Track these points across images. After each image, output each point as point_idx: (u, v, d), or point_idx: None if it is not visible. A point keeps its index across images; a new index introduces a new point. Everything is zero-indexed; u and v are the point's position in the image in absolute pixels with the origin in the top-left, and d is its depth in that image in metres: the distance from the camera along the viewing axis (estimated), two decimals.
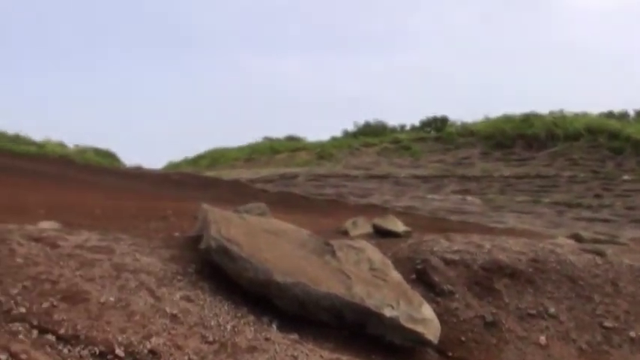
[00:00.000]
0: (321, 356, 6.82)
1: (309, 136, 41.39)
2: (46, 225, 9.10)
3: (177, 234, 9.47)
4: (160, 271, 7.66)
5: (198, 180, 23.28)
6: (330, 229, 11.90)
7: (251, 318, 7.25)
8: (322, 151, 33.00)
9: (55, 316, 6.24)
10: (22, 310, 6.26)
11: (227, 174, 28.14)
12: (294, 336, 7.15)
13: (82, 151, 30.18)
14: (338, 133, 41.35)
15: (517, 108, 45.82)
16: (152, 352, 6.04)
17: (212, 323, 6.88)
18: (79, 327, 6.17)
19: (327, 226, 12.09)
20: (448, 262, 9.37)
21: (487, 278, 9.28)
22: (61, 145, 29.77)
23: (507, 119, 32.75)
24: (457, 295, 8.94)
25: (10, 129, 29.05)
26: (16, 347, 5.47)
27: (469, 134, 32.70)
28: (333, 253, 8.20)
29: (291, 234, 8.51)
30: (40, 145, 27.91)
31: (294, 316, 7.46)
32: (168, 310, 6.85)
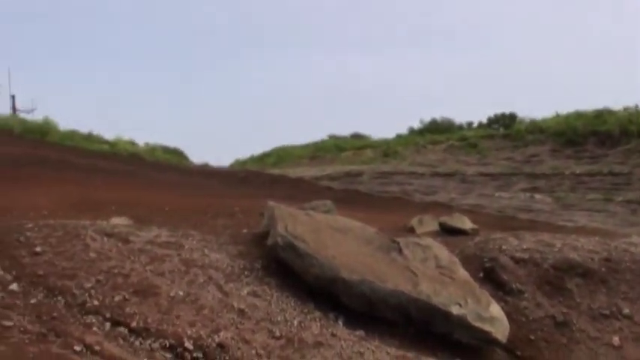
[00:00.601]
0: (388, 353, 6.81)
1: (375, 133, 41.19)
2: (118, 221, 9.37)
3: (244, 231, 9.59)
4: (228, 267, 7.79)
5: (264, 177, 23.52)
6: (396, 226, 11.85)
7: (317, 314, 7.29)
8: (388, 149, 32.87)
9: (127, 310, 6.41)
10: (96, 303, 6.46)
11: (292, 172, 28.36)
12: (360, 333, 7.15)
13: (152, 149, 30.89)
14: (404, 131, 41.06)
15: (589, 104, 44.58)
16: (220, 345, 6.15)
17: (279, 318, 6.95)
18: (149, 320, 6.32)
19: (392, 224, 12.03)
20: (517, 261, 9.20)
21: (558, 277, 9.07)
22: (132, 143, 30.53)
23: (579, 115, 31.89)
24: (526, 294, 8.78)
25: (84, 127, 30.09)
26: (90, 339, 5.66)
27: (538, 131, 31.98)
28: (400, 251, 8.17)
29: (357, 231, 8.51)
30: (112, 144, 28.69)
31: (360, 312, 7.47)
32: (235, 305, 6.95)
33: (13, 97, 34.34)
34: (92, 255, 7.27)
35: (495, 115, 40.08)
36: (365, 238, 8.38)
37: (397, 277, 7.65)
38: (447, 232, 11.40)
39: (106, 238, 7.76)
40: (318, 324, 7.10)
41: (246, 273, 7.79)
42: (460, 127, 40.52)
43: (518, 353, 8.02)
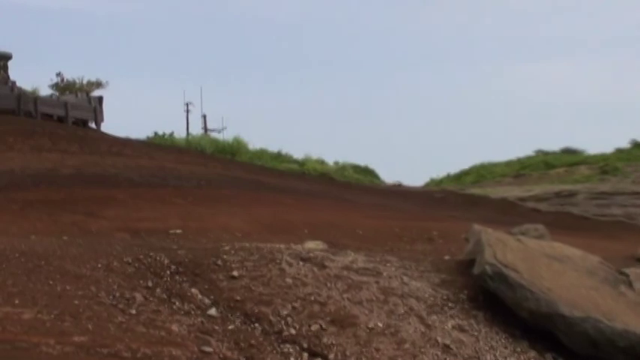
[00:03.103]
0: None
1: (590, 148, 39.14)
2: (313, 245, 9.64)
3: (446, 257, 9.48)
4: (430, 297, 7.73)
5: (463, 198, 23.18)
6: (621, 255, 11.12)
7: (532, 354, 7.03)
8: (606, 165, 31.14)
9: (325, 340, 6.57)
10: (293, 331, 6.68)
11: (494, 191, 27.71)
12: None
13: (341, 168, 31.60)
14: (625, 144, 38.70)
15: None
16: None
17: (488, 357, 6.77)
18: (348, 352, 6.43)
19: (616, 252, 11.33)
20: None
21: None
22: (321, 162, 31.46)
23: None
24: None
25: (272, 146, 31.50)
26: None
27: None
28: (629, 284, 7.68)
29: (576, 260, 8.10)
30: (301, 163, 29.79)
31: (582, 355, 7.09)
32: (439, 339, 6.88)
33: (204, 117, 36.75)
34: (288, 280, 7.54)
35: None
36: (586, 269, 7.96)
37: (627, 314, 7.17)
38: None
39: (301, 263, 8.01)
40: None
41: (450, 304, 7.68)
42: None
43: None
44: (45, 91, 26.33)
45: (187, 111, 37.02)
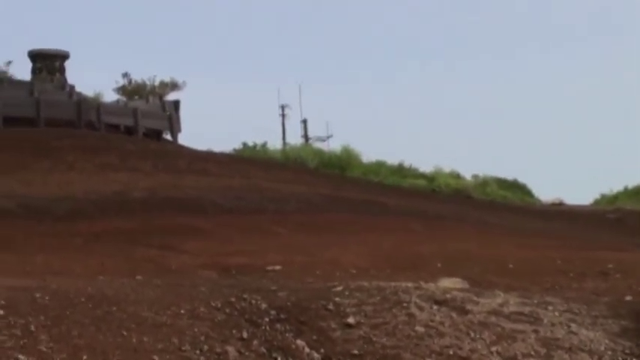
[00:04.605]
0: None
1: None
2: (449, 283, 9.57)
3: (627, 297, 9.24)
4: (607, 351, 7.54)
5: None
6: None
7: None
8: None
9: None
10: None
11: None
12: None
13: (482, 183, 31.26)
14: None
15: None
16: None
17: None
18: None
19: None
20: None
21: None
22: (455, 176, 31.20)
23: None
24: None
25: (392, 158, 31.39)
26: None
27: None
28: None
29: None
30: (430, 177, 29.65)
31: None
32: None
33: (304, 123, 37.07)
34: (419, 329, 7.52)
35: None
36: None
37: None
38: None
39: (435, 307, 7.98)
40: None
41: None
42: None
43: None
44: (109, 95, 27.19)
45: (283, 115, 37.52)
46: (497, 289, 9.25)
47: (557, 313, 8.22)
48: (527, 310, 8.20)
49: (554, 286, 10.41)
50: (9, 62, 25.02)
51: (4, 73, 24.74)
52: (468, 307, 8.07)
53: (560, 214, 24.63)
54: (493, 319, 7.89)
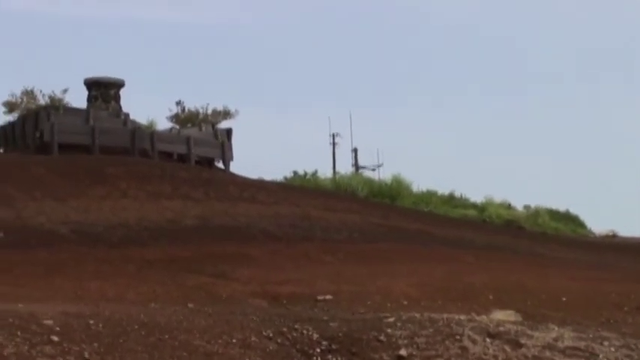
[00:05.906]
0: None
1: None
2: (502, 316, 9.46)
3: None
4: None
5: None
6: None
7: None
8: None
9: None
10: None
11: None
12: None
13: (534, 214, 30.87)
14: None
15: None
16: None
17: None
18: None
19: None
20: None
21: None
22: (507, 206, 30.91)
23: None
24: None
25: (443, 187, 31.23)
26: None
27: None
28: None
29: None
30: (480, 208, 29.38)
31: None
32: None
33: (355, 151, 37.05)
34: None
35: None
36: None
37: None
38: None
39: (488, 340, 7.89)
40: None
41: None
42: None
43: None
44: (163, 123, 27.41)
45: (334, 144, 37.45)
46: (551, 322, 9.14)
47: (613, 349, 8.09)
48: (582, 344, 8.08)
49: (609, 321, 10.25)
50: (65, 90, 25.24)
51: (61, 100, 25.02)
52: (522, 340, 7.97)
53: (613, 246, 24.27)
54: (547, 353, 7.79)
